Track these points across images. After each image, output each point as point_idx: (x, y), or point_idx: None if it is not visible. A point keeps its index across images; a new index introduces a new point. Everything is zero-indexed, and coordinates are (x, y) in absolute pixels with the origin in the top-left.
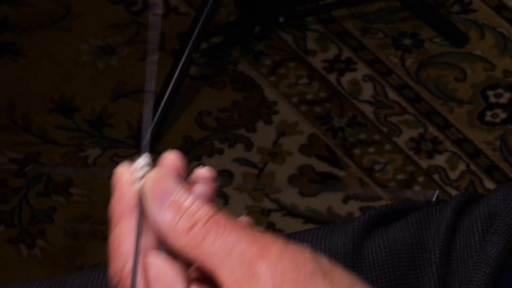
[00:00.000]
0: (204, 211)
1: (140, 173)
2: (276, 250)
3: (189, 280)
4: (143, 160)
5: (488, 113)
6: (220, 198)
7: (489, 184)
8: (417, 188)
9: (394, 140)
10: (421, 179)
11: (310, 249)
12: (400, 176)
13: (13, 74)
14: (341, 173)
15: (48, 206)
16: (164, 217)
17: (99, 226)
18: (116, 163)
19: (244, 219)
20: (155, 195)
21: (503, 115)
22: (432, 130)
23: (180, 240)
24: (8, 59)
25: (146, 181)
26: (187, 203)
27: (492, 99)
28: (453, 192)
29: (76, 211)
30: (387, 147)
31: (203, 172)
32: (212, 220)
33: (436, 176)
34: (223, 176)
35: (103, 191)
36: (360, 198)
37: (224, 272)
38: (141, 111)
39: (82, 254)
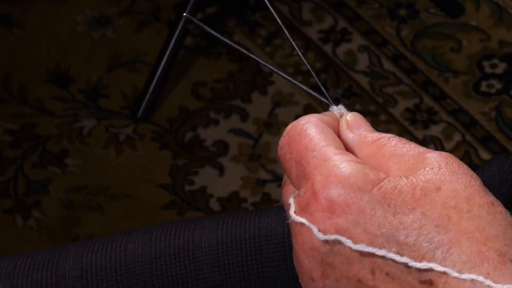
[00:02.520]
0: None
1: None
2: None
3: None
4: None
5: (484, 83)
6: (215, 169)
7: (485, 155)
8: None
9: (389, 110)
10: None
11: None
12: None
13: (8, 45)
14: None
15: (44, 177)
16: (356, 132)
17: (94, 197)
18: (111, 134)
19: None
20: (354, 122)
21: (498, 86)
22: (428, 101)
23: (365, 148)
24: (3, 30)
25: (347, 114)
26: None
27: (488, 70)
28: None
29: (72, 182)
30: (383, 117)
31: None
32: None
33: (431, 147)
34: (219, 147)
35: (98, 161)
36: None
37: (395, 167)
38: (137, 82)
39: (77, 224)
